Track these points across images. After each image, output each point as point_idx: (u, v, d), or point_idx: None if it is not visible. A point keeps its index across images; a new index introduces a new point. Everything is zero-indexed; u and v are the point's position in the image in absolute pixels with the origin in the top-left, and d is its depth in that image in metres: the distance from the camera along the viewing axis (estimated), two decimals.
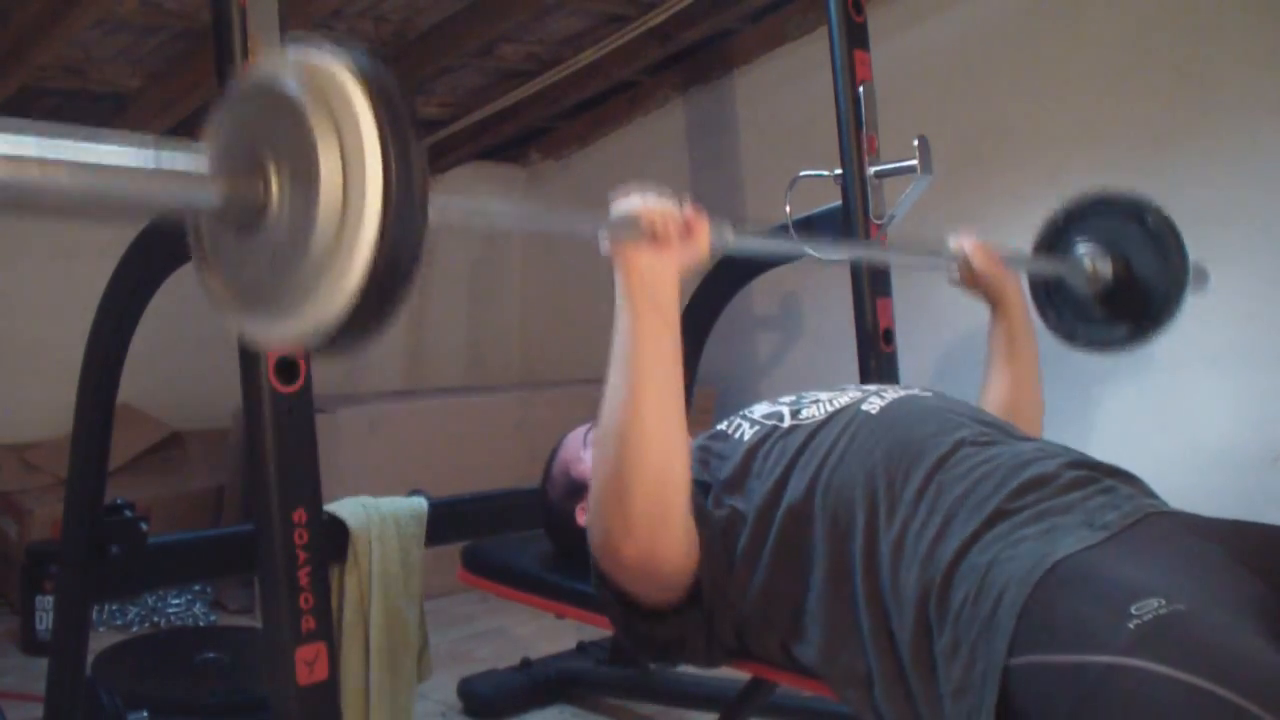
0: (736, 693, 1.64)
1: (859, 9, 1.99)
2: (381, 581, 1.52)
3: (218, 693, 2.18)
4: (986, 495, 1.07)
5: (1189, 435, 2.40)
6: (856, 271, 1.96)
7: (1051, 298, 1.88)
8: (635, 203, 1.14)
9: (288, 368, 1.27)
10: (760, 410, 1.32)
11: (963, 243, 1.59)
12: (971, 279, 1.59)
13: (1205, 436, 2.38)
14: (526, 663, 2.30)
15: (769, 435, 1.26)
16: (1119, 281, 1.81)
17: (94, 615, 2.58)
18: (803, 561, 1.16)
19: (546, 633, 2.53)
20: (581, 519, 1.45)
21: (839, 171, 1.96)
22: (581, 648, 2.37)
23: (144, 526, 1.50)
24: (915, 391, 1.29)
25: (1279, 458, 2.28)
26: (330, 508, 1.50)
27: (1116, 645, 0.87)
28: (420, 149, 0.75)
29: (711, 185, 3.41)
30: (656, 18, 2.93)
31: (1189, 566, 0.97)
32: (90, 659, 1.64)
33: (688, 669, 2.10)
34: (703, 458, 1.29)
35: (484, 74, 3.17)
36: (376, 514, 1.55)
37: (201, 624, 2.70)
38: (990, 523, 1.04)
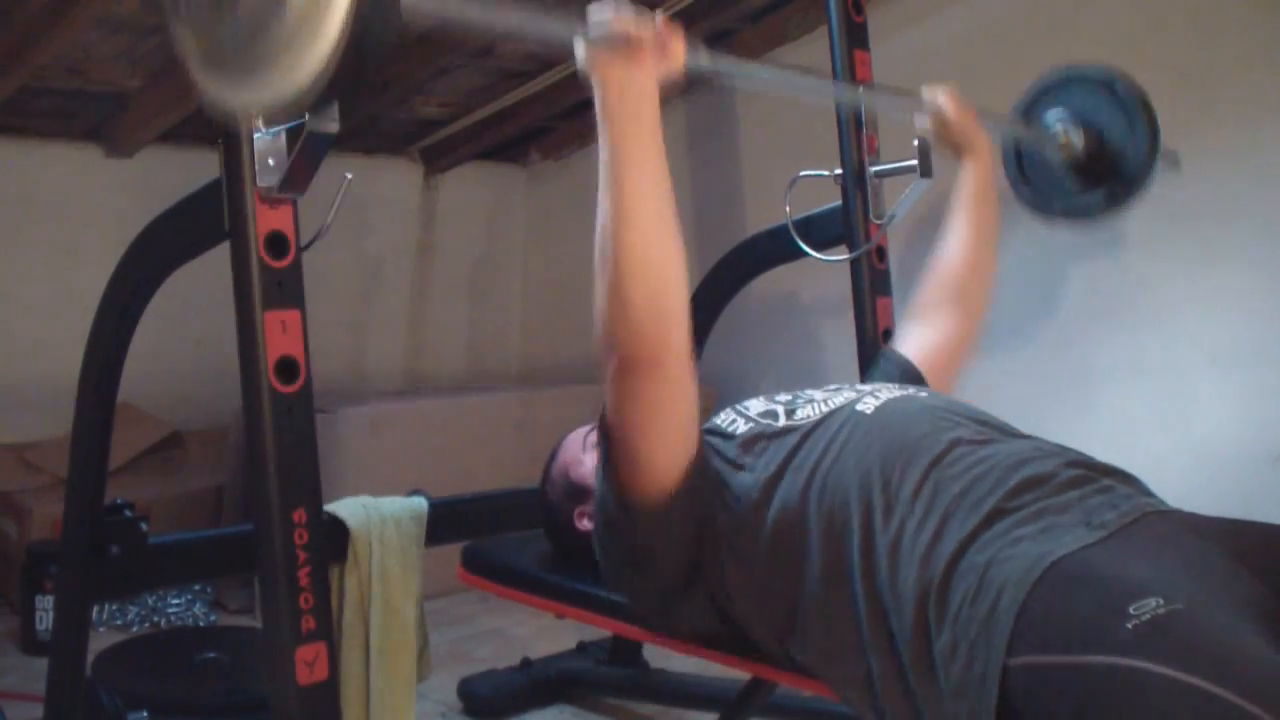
0: (736, 693, 1.64)
1: (859, 9, 1.99)
2: (381, 581, 1.52)
3: (218, 693, 2.18)
4: (984, 494, 1.06)
5: (1189, 435, 2.40)
6: (856, 271, 1.96)
7: (1025, 173, 1.94)
8: (609, 13, 1.13)
9: (288, 368, 1.27)
10: (756, 408, 1.32)
11: (937, 92, 1.63)
12: (944, 128, 1.63)
13: (1205, 436, 2.38)
14: (526, 663, 2.30)
15: (763, 434, 1.26)
16: (1091, 150, 1.85)
17: (94, 615, 2.58)
18: (797, 562, 1.15)
19: (546, 633, 2.53)
20: (581, 522, 1.45)
21: (839, 171, 1.96)
22: (581, 648, 2.37)
23: (144, 526, 1.50)
24: (910, 391, 1.29)
25: (1279, 458, 2.28)
26: (330, 508, 1.50)
27: (1115, 645, 0.87)
28: None
29: (711, 185, 3.40)
30: (656, 17, 2.93)
31: (1187, 566, 0.97)
32: (90, 659, 1.64)
33: (687, 669, 2.12)
34: None
35: (484, 74, 3.17)
36: (376, 514, 1.55)
37: (201, 624, 2.70)
38: (988, 521, 1.04)
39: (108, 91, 2.81)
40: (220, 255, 1.31)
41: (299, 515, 1.26)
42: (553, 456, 1.55)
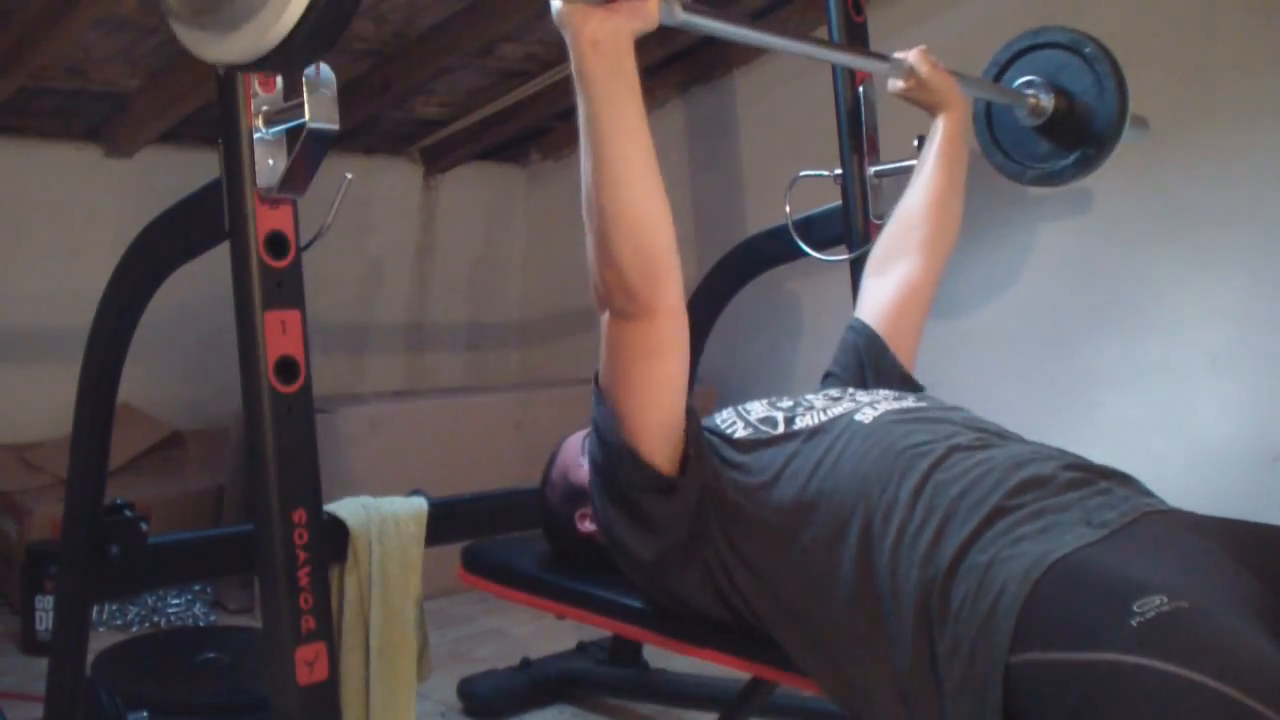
0: (736, 693, 1.64)
1: (859, 9, 1.99)
2: (381, 581, 1.52)
3: (218, 693, 2.18)
4: (984, 494, 1.07)
5: (1189, 435, 2.40)
6: (857, 271, 1.96)
7: (997, 140, 1.98)
8: None
9: (288, 368, 1.27)
10: (756, 413, 1.32)
11: (911, 54, 1.66)
12: (918, 87, 1.65)
13: (1205, 436, 2.38)
14: (526, 663, 2.30)
15: (760, 440, 1.26)
16: (1061, 112, 1.89)
17: (94, 615, 2.58)
18: (793, 567, 1.16)
19: (546, 633, 2.53)
20: (582, 525, 1.45)
21: (839, 171, 1.96)
22: (581, 648, 2.37)
23: (144, 526, 1.49)
24: (909, 401, 1.29)
25: (1279, 457, 2.28)
26: (330, 508, 1.50)
27: (1120, 643, 0.87)
28: None
29: (711, 185, 3.40)
30: None
31: (1189, 564, 0.97)
32: (90, 659, 1.64)
33: (687, 669, 2.12)
34: None
35: (484, 74, 3.17)
36: (376, 514, 1.55)
37: (201, 624, 2.70)
38: (989, 521, 1.04)
39: (108, 91, 2.81)
40: (220, 255, 1.31)
41: (299, 515, 1.26)
42: (552, 459, 1.54)
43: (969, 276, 2.68)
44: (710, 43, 3.22)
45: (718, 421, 1.34)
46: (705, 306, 2.26)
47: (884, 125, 1.97)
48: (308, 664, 1.25)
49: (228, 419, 2.91)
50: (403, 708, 1.53)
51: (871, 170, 1.94)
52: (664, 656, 2.03)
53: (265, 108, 1.22)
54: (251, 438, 1.26)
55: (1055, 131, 1.90)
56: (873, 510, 1.11)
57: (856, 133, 1.95)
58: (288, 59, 0.83)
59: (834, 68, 1.98)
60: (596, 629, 1.73)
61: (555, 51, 3.08)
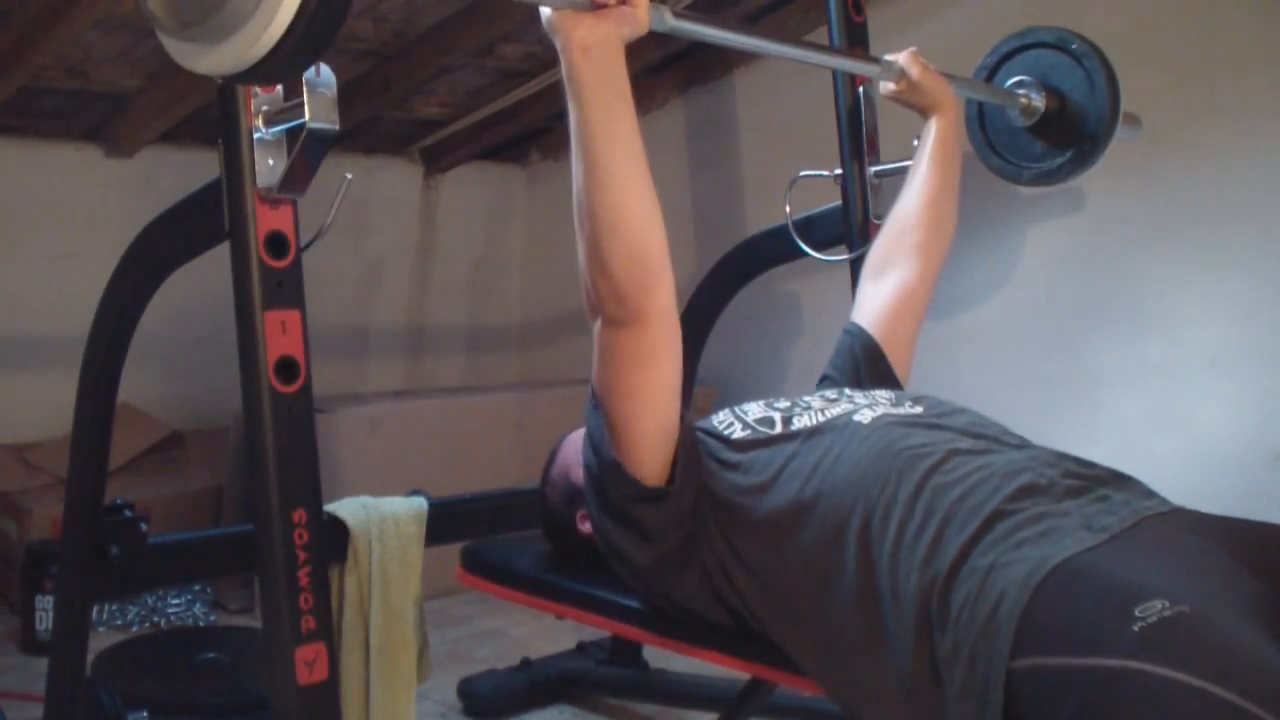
0: (736, 693, 1.64)
1: (859, 9, 1.99)
2: (381, 581, 1.52)
3: (218, 693, 2.18)
4: (984, 498, 1.06)
5: (1189, 435, 2.40)
6: (856, 271, 1.96)
7: (991, 142, 1.98)
8: None
9: (288, 368, 1.27)
10: (753, 413, 1.32)
11: (902, 56, 1.66)
12: (909, 90, 1.65)
13: (1205, 436, 2.38)
14: (526, 663, 2.30)
15: (758, 440, 1.26)
16: (1053, 111, 1.89)
17: (94, 615, 2.58)
18: (792, 567, 1.15)
19: (546, 633, 2.53)
20: (582, 525, 1.45)
21: (839, 171, 1.96)
22: (581, 648, 2.37)
23: (144, 526, 1.49)
24: (907, 404, 1.29)
25: (1279, 457, 2.28)
26: (330, 508, 1.50)
27: (1122, 648, 0.87)
28: None
29: (711, 185, 3.40)
30: None
31: (1190, 567, 0.97)
32: (90, 659, 1.64)
33: (687, 669, 2.12)
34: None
35: (484, 74, 3.17)
36: (376, 514, 1.55)
37: (201, 624, 2.70)
38: (989, 524, 1.04)
39: (108, 91, 2.81)
40: (220, 255, 1.31)
41: (299, 515, 1.26)
42: (552, 458, 1.54)
43: (969, 277, 2.68)
44: (710, 43, 3.22)
45: (714, 423, 1.34)
46: (705, 306, 2.26)
47: (884, 125, 1.97)
48: (308, 664, 1.25)
49: (228, 419, 2.92)
50: (403, 708, 1.53)
51: (871, 170, 1.94)
52: (664, 656, 2.03)
53: (265, 108, 1.22)
54: (251, 438, 1.27)
55: (1048, 131, 1.90)
56: (871, 510, 1.11)
57: (856, 133, 1.95)
58: (276, 69, 0.83)
59: (834, 68, 1.98)
60: (596, 629, 1.73)
61: (555, 52, 3.08)
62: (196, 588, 2.79)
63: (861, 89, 1.95)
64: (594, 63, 1.12)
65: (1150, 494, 1.13)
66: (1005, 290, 2.73)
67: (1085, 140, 1.87)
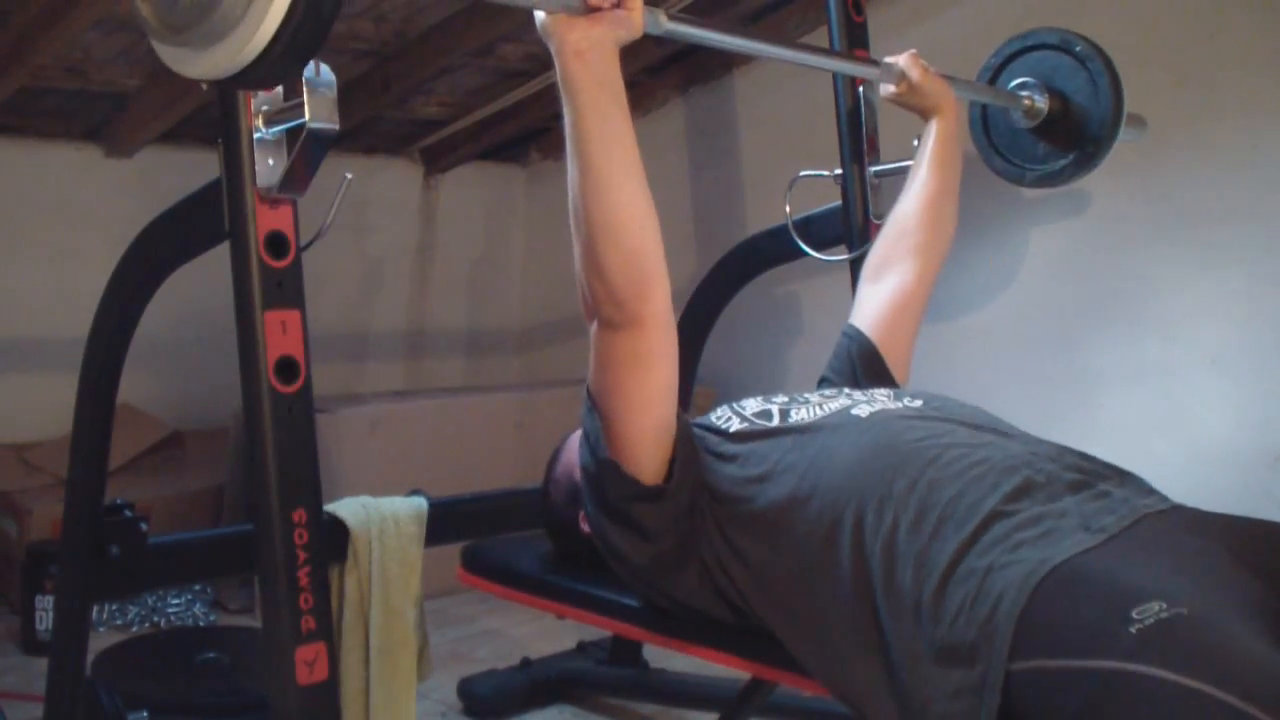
0: (736, 693, 1.64)
1: (859, 9, 1.99)
2: (381, 581, 1.52)
3: (218, 693, 2.18)
4: (981, 496, 1.06)
5: (1189, 436, 2.40)
6: (856, 271, 1.96)
7: (994, 142, 1.98)
8: None
9: (288, 368, 1.27)
10: (751, 407, 1.32)
11: (902, 59, 1.66)
12: (910, 92, 1.65)
13: (1205, 437, 2.38)
14: (526, 663, 2.30)
15: (756, 433, 1.26)
16: (1056, 112, 1.89)
17: (94, 615, 2.58)
18: (788, 560, 1.15)
19: (546, 633, 2.53)
20: (584, 525, 1.45)
21: (839, 171, 1.96)
22: (581, 648, 2.37)
23: (144, 526, 1.49)
24: (906, 401, 1.29)
25: (1279, 458, 2.28)
26: (330, 508, 1.50)
27: (1119, 650, 0.87)
28: None
29: (711, 185, 3.41)
30: None
31: (1189, 568, 0.97)
32: (90, 659, 1.64)
33: (687, 669, 2.12)
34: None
35: (484, 74, 3.17)
36: (376, 514, 1.55)
37: (201, 624, 2.70)
38: (987, 525, 1.03)
39: (108, 91, 2.81)
40: (220, 255, 1.31)
41: (299, 515, 1.26)
42: (555, 457, 1.54)
43: (969, 278, 2.68)
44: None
45: (712, 418, 1.34)
46: (705, 306, 2.26)
47: (884, 125, 1.97)
48: (308, 664, 1.25)
49: (228, 419, 2.92)
50: (403, 708, 1.53)
51: (871, 170, 1.94)
52: (664, 656, 2.03)
53: (265, 108, 1.22)
54: (251, 438, 1.26)
55: (1052, 132, 1.90)
56: (865, 505, 1.11)
57: (856, 133, 1.95)
58: (265, 73, 0.84)
59: None
60: (596, 629, 1.73)
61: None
62: (196, 588, 2.79)
63: (861, 89, 1.95)
64: (588, 66, 1.12)
65: (1150, 491, 1.13)
66: (1005, 290, 2.73)
67: (1089, 142, 1.87)
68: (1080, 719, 0.88)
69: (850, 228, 1.94)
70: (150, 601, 2.71)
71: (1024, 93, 1.90)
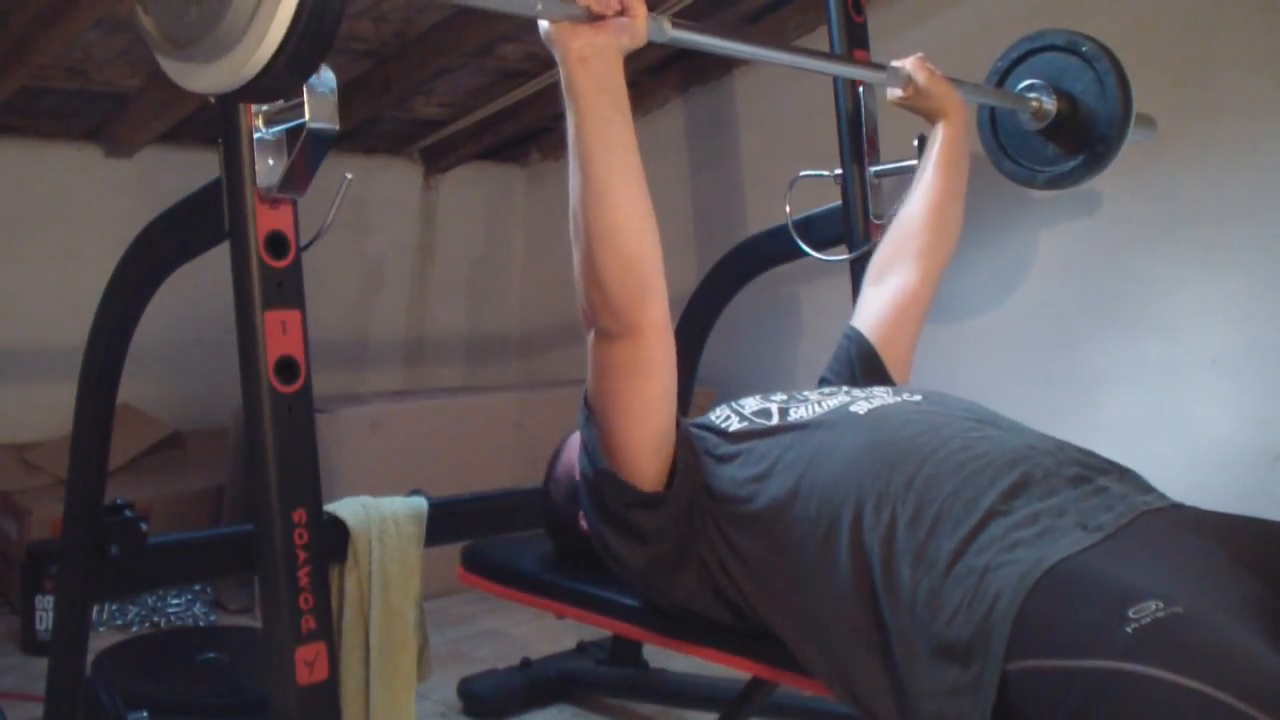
0: (736, 693, 1.64)
1: (859, 9, 1.99)
2: (381, 581, 1.52)
3: (218, 693, 2.18)
4: (979, 493, 1.06)
5: (1189, 435, 2.40)
6: (856, 271, 1.96)
7: (1003, 144, 1.98)
8: None
9: (288, 368, 1.27)
10: (750, 406, 1.32)
11: (908, 63, 1.65)
12: (916, 96, 1.64)
13: (1205, 436, 2.38)
14: (526, 663, 2.30)
15: (755, 431, 1.26)
16: (1065, 114, 1.89)
17: (94, 615, 2.58)
18: (788, 559, 1.15)
19: (546, 633, 2.53)
20: (585, 524, 1.45)
21: (839, 171, 1.96)
22: (581, 648, 2.37)
23: (144, 526, 1.49)
24: (905, 396, 1.29)
25: (1279, 458, 2.28)
26: (330, 508, 1.50)
27: (1115, 649, 0.87)
28: None
29: (711, 185, 3.41)
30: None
31: (1186, 567, 0.97)
32: (90, 659, 1.64)
33: (687, 669, 2.12)
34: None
35: (484, 74, 3.17)
36: (376, 514, 1.55)
37: (201, 624, 2.70)
38: (984, 523, 1.03)
39: (108, 91, 2.81)
40: (220, 255, 1.31)
41: (299, 515, 1.26)
42: (556, 457, 1.54)
43: (970, 277, 2.68)
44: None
45: (711, 418, 1.35)
46: (705, 306, 2.26)
47: (884, 125, 1.97)
48: (308, 664, 1.25)
49: (228, 419, 2.92)
50: (403, 708, 1.53)
51: (871, 170, 1.94)
52: (664, 656, 2.03)
53: (265, 108, 1.22)
54: (251, 438, 1.27)
55: (1061, 134, 1.89)
56: (864, 501, 1.11)
57: (856, 133, 1.95)
58: (269, 86, 0.84)
59: None
60: (596, 629, 1.73)
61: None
62: (196, 588, 2.79)
63: (861, 89, 1.95)
64: (592, 73, 1.13)
65: (1148, 488, 1.12)
66: (1006, 290, 2.73)
67: (1098, 142, 1.86)
68: (1077, 719, 0.88)
69: (850, 228, 1.94)
70: (150, 601, 2.71)
71: (1031, 94, 1.89)
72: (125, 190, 3.04)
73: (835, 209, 1.97)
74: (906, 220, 1.63)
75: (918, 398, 1.28)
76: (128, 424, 2.81)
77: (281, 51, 0.81)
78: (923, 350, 1.61)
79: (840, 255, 1.95)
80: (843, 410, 1.24)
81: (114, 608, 2.67)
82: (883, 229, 1.91)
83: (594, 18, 1.12)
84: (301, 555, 1.26)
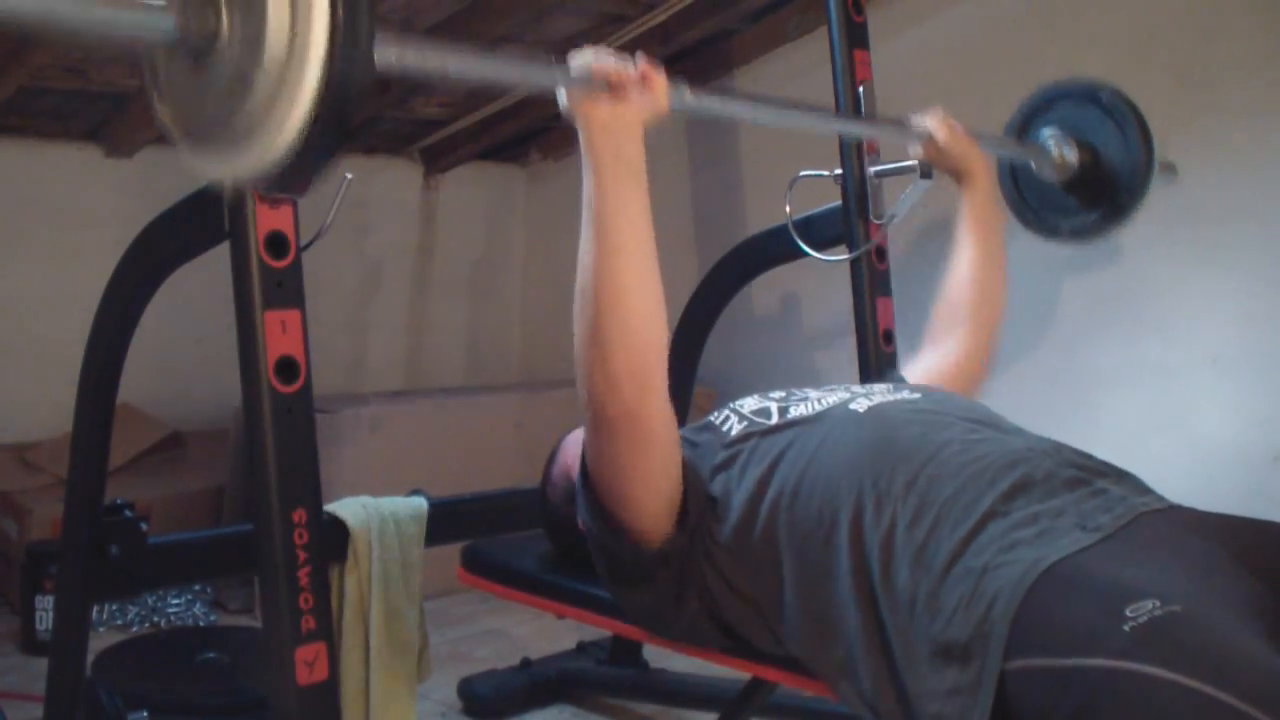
0: (736, 693, 1.64)
1: (859, 9, 1.99)
2: (381, 581, 1.52)
3: (218, 693, 2.18)
4: (978, 495, 1.06)
5: (1189, 435, 2.40)
6: (856, 271, 1.96)
7: (1024, 196, 1.96)
8: (589, 57, 1.14)
9: (288, 368, 1.27)
10: (749, 405, 1.32)
11: (928, 119, 1.61)
12: (937, 154, 1.60)
13: (1205, 436, 2.38)
14: (526, 663, 2.30)
15: (755, 431, 1.26)
16: (1086, 166, 1.86)
17: (94, 615, 2.58)
18: (789, 558, 1.15)
19: (546, 633, 2.53)
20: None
21: (839, 171, 1.96)
22: (581, 648, 2.37)
23: (144, 526, 1.50)
24: (905, 393, 1.29)
25: (1279, 457, 2.28)
26: (330, 508, 1.50)
27: (1113, 648, 0.87)
28: None
29: (711, 185, 3.40)
30: (657, 17, 2.93)
31: (1185, 566, 0.97)
32: (90, 659, 1.64)
33: (687, 669, 2.12)
34: (689, 449, 1.29)
35: None
36: (376, 514, 1.55)
37: (201, 624, 2.70)
38: (983, 524, 1.03)
39: (107, 91, 2.81)
40: (220, 255, 1.31)
41: (299, 515, 1.26)
42: (552, 457, 1.54)
43: None
44: (710, 42, 3.22)
45: (712, 419, 1.34)
46: (705, 306, 2.26)
47: None
48: (308, 664, 1.25)
49: (228, 419, 2.92)
50: (403, 708, 1.53)
51: (871, 170, 1.94)
52: (664, 656, 2.03)
53: None
54: (251, 438, 1.27)
55: (1083, 186, 1.86)
56: (864, 501, 1.11)
57: None
58: (291, 177, 0.82)
59: (834, 66, 1.98)
60: (596, 629, 1.73)
61: (555, 51, 3.07)
62: (196, 588, 2.79)
63: (861, 89, 1.95)
64: (612, 144, 1.13)
65: (1147, 490, 1.12)
66: (1006, 290, 2.72)
67: (1121, 194, 1.84)
68: (1075, 718, 0.88)
69: (850, 228, 1.94)
70: (150, 601, 2.71)
71: (1052, 146, 1.86)
72: (125, 190, 3.04)
73: (835, 209, 1.97)
74: (951, 288, 1.61)
75: (917, 396, 1.28)
76: (128, 424, 2.81)
77: (304, 140, 0.79)
78: (916, 348, 1.61)
79: (840, 255, 1.94)
80: (842, 408, 1.24)
81: (114, 608, 2.67)
82: (882, 229, 1.91)
83: (614, 89, 1.12)
84: (301, 555, 1.26)
